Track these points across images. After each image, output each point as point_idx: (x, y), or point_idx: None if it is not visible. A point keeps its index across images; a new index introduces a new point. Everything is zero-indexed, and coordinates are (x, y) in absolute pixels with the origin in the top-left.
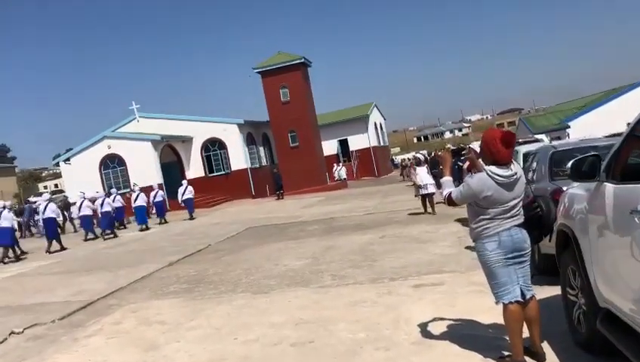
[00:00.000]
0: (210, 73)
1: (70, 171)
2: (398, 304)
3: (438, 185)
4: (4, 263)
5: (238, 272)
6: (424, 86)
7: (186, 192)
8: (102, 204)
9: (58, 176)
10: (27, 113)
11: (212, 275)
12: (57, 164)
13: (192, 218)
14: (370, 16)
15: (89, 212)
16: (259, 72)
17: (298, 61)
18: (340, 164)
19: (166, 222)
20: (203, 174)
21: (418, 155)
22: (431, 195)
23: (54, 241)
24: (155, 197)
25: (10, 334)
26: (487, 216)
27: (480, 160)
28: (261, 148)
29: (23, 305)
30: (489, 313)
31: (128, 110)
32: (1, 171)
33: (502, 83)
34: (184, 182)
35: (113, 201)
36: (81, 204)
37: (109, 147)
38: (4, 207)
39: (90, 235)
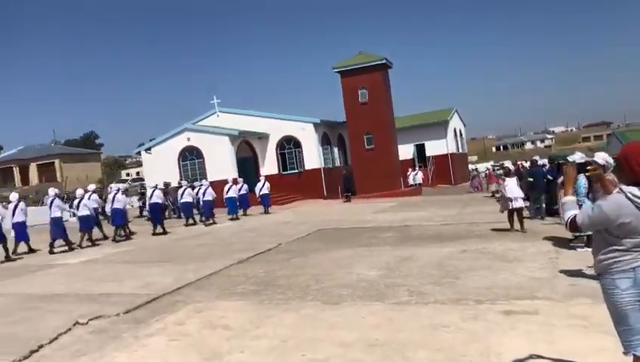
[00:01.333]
0: (290, 71)
1: (150, 160)
2: (486, 332)
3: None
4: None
5: (307, 277)
6: (506, 93)
7: (263, 188)
8: (204, 193)
9: (140, 164)
10: (117, 102)
11: (281, 278)
12: (139, 153)
13: (267, 212)
14: (454, 18)
15: (190, 199)
16: (338, 72)
17: (379, 62)
18: (416, 169)
19: (245, 215)
20: (276, 171)
21: (507, 164)
22: (520, 210)
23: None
24: (240, 190)
25: (74, 324)
26: (622, 248)
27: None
28: (335, 149)
29: (91, 294)
30: (598, 357)
31: (209, 104)
32: (88, 156)
33: (589, 94)
34: (262, 177)
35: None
36: (183, 192)
37: (189, 139)
38: (118, 190)
39: (191, 221)
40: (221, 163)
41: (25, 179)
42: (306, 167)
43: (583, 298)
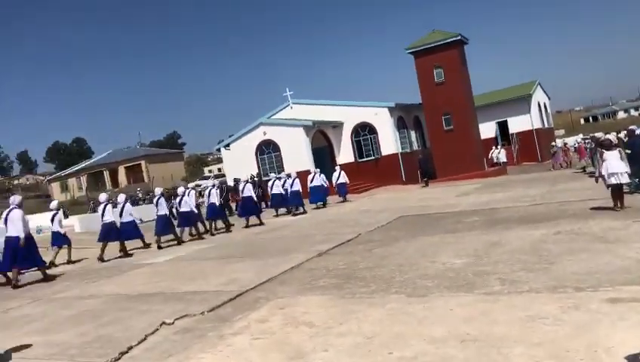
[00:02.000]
0: (362, 56)
1: (230, 156)
2: (591, 324)
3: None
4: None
5: (390, 268)
6: (594, 61)
7: (340, 177)
8: (291, 185)
9: (221, 160)
10: (196, 101)
11: (363, 270)
12: (219, 150)
13: (345, 200)
14: None
15: (277, 191)
16: (411, 53)
17: (454, 39)
18: (499, 147)
19: (325, 205)
20: (353, 159)
21: (609, 136)
22: (621, 187)
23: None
24: (292, 185)
25: (161, 325)
26: None
27: None
28: (412, 133)
29: (177, 293)
30: None
31: (283, 97)
32: (172, 156)
33: None
34: (337, 167)
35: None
36: (272, 184)
37: (265, 133)
38: (213, 186)
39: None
40: (297, 154)
41: (115, 182)
42: (383, 153)
43: None
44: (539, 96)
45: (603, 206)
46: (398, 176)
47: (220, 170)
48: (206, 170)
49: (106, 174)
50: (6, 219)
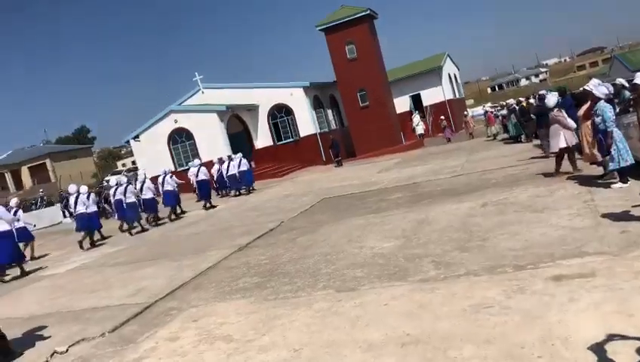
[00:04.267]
0: (272, 36)
1: (141, 148)
2: (540, 309)
3: (527, 136)
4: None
5: (316, 259)
6: (494, 33)
7: (241, 165)
8: (239, 165)
9: None
10: (109, 93)
11: (286, 263)
12: (128, 142)
13: (251, 190)
14: None
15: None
16: (322, 30)
17: (363, 13)
18: (417, 117)
19: (252, 190)
20: (271, 143)
21: (544, 92)
22: (572, 149)
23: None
24: (239, 166)
25: (52, 355)
26: None
27: None
28: (329, 111)
29: (74, 311)
30: None
31: (193, 82)
32: (79, 152)
33: (578, 23)
34: (238, 155)
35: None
36: (227, 166)
37: (176, 121)
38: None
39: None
40: (212, 141)
41: (18, 184)
42: (301, 134)
43: None
44: (449, 68)
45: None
46: (319, 157)
47: (133, 163)
48: (119, 163)
49: (8, 176)
50: None
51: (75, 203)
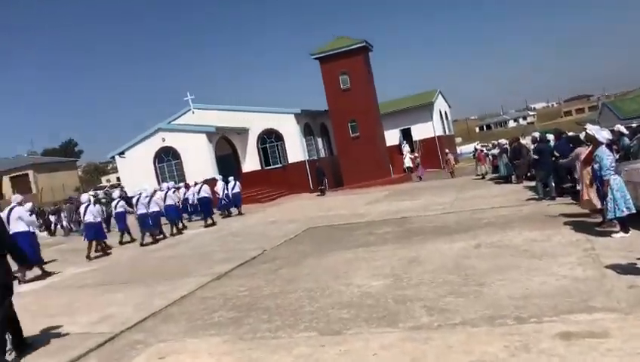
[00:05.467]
0: (267, 62)
1: (125, 165)
2: None
3: (518, 177)
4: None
5: (298, 294)
6: (485, 74)
7: (235, 187)
8: (232, 188)
9: None
10: (100, 109)
11: (267, 297)
12: (113, 158)
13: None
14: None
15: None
16: (317, 58)
17: (359, 45)
18: (407, 147)
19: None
20: (259, 167)
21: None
22: None
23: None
24: (233, 188)
25: None
26: None
27: None
28: (319, 140)
29: (31, 336)
30: None
31: (184, 102)
32: (64, 165)
33: (566, 71)
34: (231, 178)
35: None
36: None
37: (164, 140)
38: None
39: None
40: (199, 162)
41: None
42: (290, 160)
43: None
44: (440, 104)
45: (514, 214)
46: (306, 184)
47: (118, 179)
48: (104, 179)
49: None
50: None
51: (85, 212)
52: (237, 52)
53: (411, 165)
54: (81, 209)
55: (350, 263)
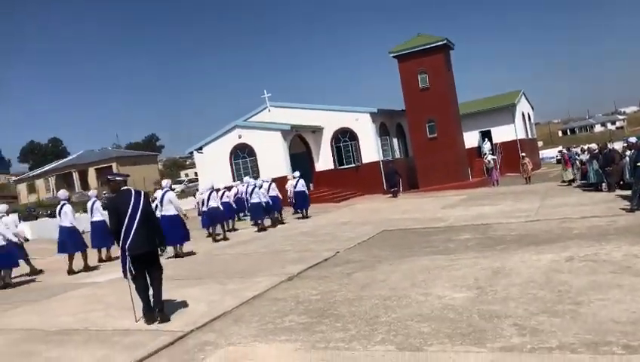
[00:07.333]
0: (344, 59)
1: (203, 160)
2: None
3: (610, 185)
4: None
5: (373, 302)
6: (571, 74)
7: (297, 185)
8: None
9: None
10: (179, 103)
11: (340, 303)
12: (192, 153)
13: (305, 215)
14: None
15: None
16: (395, 57)
17: (440, 43)
18: (488, 144)
19: (306, 216)
20: (332, 166)
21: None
22: None
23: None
24: (295, 186)
25: None
26: None
27: None
28: (395, 140)
29: (104, 331)
30: None
31: (260, 99)
32: (145, 159)
33: None
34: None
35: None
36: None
37: (240, 136)
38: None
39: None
40: (273, 159)
41: (84, 184)
42: (364, 161)
43: None
44: (523, 106)
45: (609, 225)
46: (380, 185)
47: (196, 174)
48: (182, 173)
49: (76, 176)
50: None
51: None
52: (315, 51)
53: (492, 166)
54: (204, 196)
55: (428, 271)
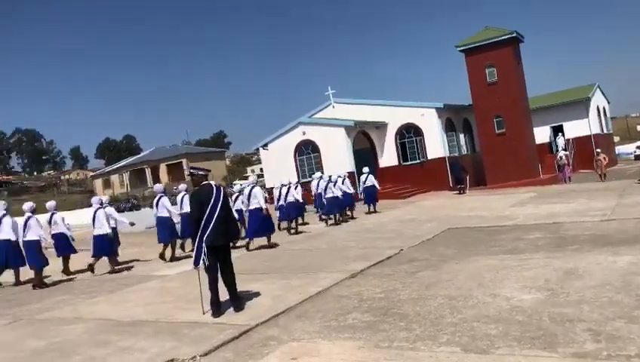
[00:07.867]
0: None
1: (268, 156)
2: None
3: None
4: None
5: (438, 302)
6: None
7: (367, 181)
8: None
9: None
10: (244, 100)
11: (404, 302)
12: (257, 149)
13: (373, 210)
14: None
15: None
16: (462, 51)
17: (508, 36)
18: (562, 139)
19: (375, 211)
20: (397, 163)
21: None
22: None
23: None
24: (365, 182)
25: None
26: None
27: None
28: (461, 136)
29: (172, 323)
30: None
31: (324, 96)
32: (214, 155)
33: None
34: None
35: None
36: (325, 187)
37: (304, 133)
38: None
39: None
40: (337, 155)
41: (156, 179)
42: (429, 157)
43: None
44: (598, 100)
45: None
46: (445, 182)
47: (261, 170)
48: (249, 169)
49: (148, 171)
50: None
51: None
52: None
53: (564, 162)
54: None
55: (496, 271)
